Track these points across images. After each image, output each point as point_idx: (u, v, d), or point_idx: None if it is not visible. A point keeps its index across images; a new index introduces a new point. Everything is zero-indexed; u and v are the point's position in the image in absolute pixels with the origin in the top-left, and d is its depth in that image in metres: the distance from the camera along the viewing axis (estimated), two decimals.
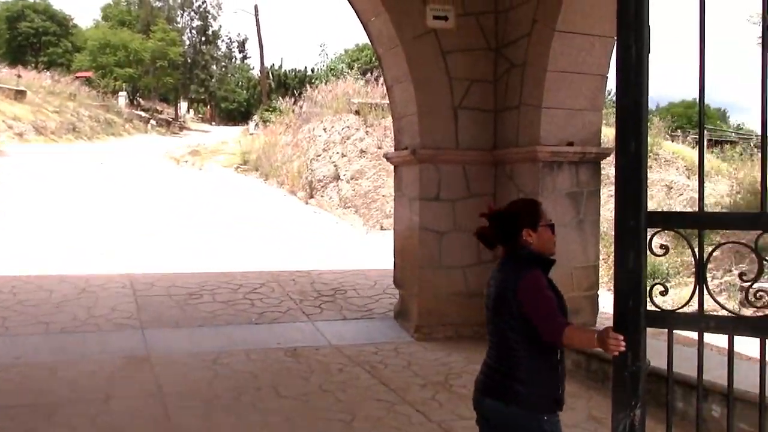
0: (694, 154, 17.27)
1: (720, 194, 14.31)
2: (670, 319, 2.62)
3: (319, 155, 18.63)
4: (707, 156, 17.65)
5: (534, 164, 7.33)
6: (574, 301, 7.43)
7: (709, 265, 2.90)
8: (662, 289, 2.59)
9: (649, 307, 2.59)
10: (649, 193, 10.70)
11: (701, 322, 2.56)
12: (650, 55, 2.58)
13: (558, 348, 2.92)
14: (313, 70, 42.98)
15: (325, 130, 19.21)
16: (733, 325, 2.56)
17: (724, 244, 3.30)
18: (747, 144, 22.25)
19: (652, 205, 14.64)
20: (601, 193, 7.75)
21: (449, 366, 6.89)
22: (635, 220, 2.56)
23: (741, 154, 18.12)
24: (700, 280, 2.56)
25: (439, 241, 7.91)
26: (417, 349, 7.49)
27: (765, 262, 2.49)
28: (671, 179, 15.13)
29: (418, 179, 7.86)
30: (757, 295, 2.47)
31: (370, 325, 8.39)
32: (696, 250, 2.58)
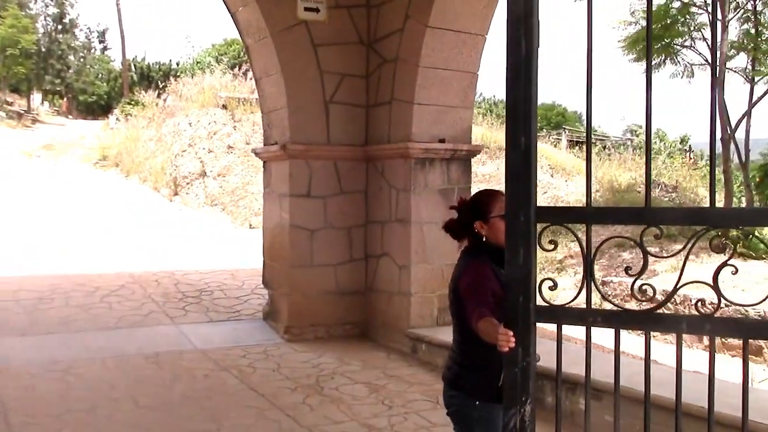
0: (556, 153, 18.05)
1: (582, 192, 14.96)
2: (559, 314, 2.62)
3: (185, 151, 17.94)
4: (569, 156, 18.48)
5: (406, 161, 7.31)
6: (445, 299, 7.42)
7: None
8: (551, 283, 2.58)
9: (539, 302, 2.59)
10: None
11: (589, 316, 2.55)
12: (539, 50, 2.55)
13: None
14: (178, 63, 41.51)
15: (190, 124, 18.52)
16: (620, 319, 2.60)
17: (611, 238, 3.34)
18: (603, 144, 23.55)
19: None
20: (471, 191, 7.85)
21: (320, 368, 6.74)
22: (525, 215, 2.54)
23: (598, 154, 19.06)
24: (588, 274, 2.56)
25: (310, 239, 7.74)
26: (287, 351, 7.29)
27: (649, 256, 2.51)
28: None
29: (288, 175, 7.65)
30: (642, 288, 2.47)
31: (238, 327, 8.09)
32: (584, 244, 2.58)
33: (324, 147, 7.75)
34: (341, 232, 7.90)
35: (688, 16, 12.08)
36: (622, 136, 29.10)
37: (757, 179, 12.08)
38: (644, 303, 2.51)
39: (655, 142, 25.10)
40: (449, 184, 7.51)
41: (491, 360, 2.85)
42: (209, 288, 9.55)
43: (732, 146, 11.50)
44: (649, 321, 2.53)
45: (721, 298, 2.34)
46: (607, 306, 2.94)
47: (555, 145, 20.64)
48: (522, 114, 2.54)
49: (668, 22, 11.90)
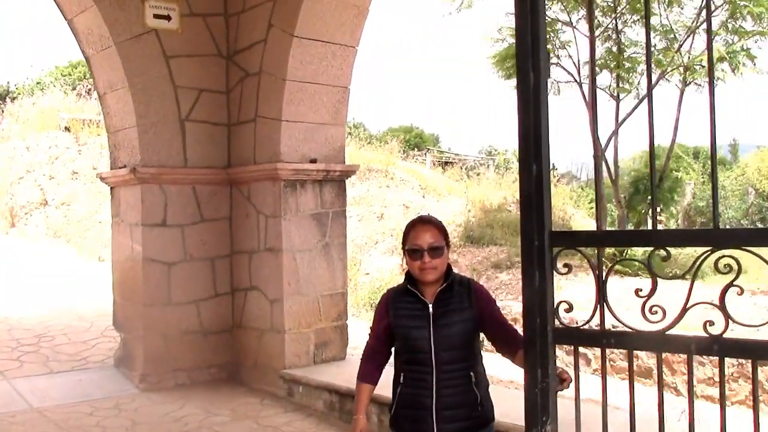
0: (427, 173, 17.97)
1: (453, 212, 14.92)
2: (576, 336, 2.77)
3: (22, 177, 16.38)
4: (437, 175, 18.48)
5: (275, 183, 6.74)
6: (323, 333, 6.98)
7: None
8: (567, 306, 2.68)
9: (556, 324, 2.73)
10: (386, 213, 10.58)
11: (603, 338, 2.67)
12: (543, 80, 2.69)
13: (401, 367, 3.02)
14: (16, 86, 38.64)
15: (28, 149, 16.95)
16: (632, 340, 2.66)
17: (622, 260, 3.63)
18: (463, 164, 23.92)
19: (390, 225, 14.88)
20: (347, 214, 7.38)
21: (183, 421, 6.00)
22: (539, 239, 2.68)
23: (466, 174, 19.25)
24: (601, 297, 2.64)
25: (168, 273, 6.98)
26: (143, 404, 6.47)
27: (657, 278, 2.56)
28: (408, 198, 15.51)
29: (140, 202, 6.87)
30: (653, 309, 2.49)
31: (84, 378, 7.15)
32: (596, 267, 2.67)
33: (180, 170, 7.04)
34: (203, 265, 7.19)
35: (552, 34, 12.29)
36: (478, 156, 29.75)
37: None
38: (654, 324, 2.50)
39: (511, 162, 25.80)
40: (323, 207, 7.01)
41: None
42: (50, 333, 8.50)
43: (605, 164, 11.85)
44: (660, 342, 2.58)
45: (729, 320, 2.39)
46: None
47: (424, 166, 20.65)
48: (533, 141, 2.65)
49: None
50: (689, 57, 11.71)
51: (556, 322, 2.71)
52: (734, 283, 2.37)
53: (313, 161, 6.90)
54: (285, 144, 6.76)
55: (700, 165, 22.88)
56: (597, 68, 12.00)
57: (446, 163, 25.24)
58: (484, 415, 2.95)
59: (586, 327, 2.71)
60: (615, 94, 12.20)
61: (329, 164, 7.00)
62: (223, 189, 7.29)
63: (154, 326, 6.90)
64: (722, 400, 2.48)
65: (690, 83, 12.26)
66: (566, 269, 2.73)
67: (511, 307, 9.20)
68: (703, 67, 10.62)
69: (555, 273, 2.71)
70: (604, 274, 2.63)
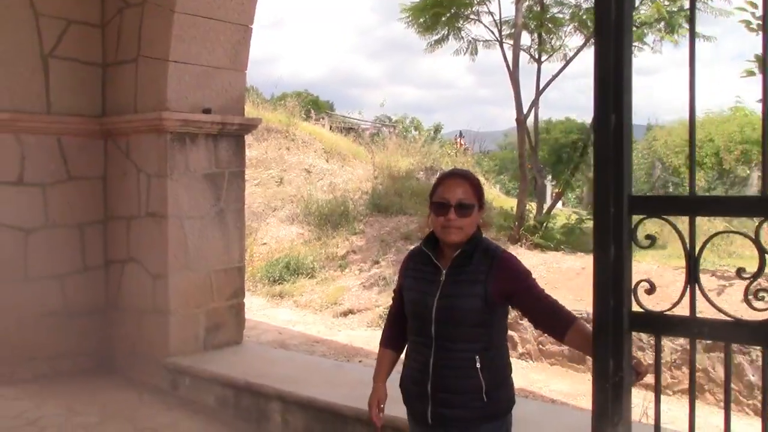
0: (331, 136, 17.07)
1: (359, 178, 14.14)
2: (658, 323, 2.32)
3: None
4: (342, 139, 17.65)
5: (160, 136, 5.75)
6: (216, 314, 6.11)
7: None
8: (648, 286, 2.31)
9: (634, 307, 2.33)
10: (286, 177, 9.55)
11: (694, 327, 2.23)
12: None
13: (408, 334, 2.81)
14: None
15: None
16: (731, 332, 2.21)
17: (720, 233, 2.83)
18: (364, 130, 23.20)
19: (290, 190, 13.94)
20: (245, 176, 6.47)
21: (40, 424, 5.00)
22: (617, 206, 2.28)
23: (370, 140, 18.56)
24: (692, 277, 2.22)
25: (24, 242, 5.87)
26: None
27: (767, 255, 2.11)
28: (310, 162, 14.59)
29: None
30: (759, 294, 2.07)
31: None
32: (687, 240, 2.26)
33: (42, 117, 5.91)
34: (70, 232, 6.11)
35: None
36: (380, 122, 29.11)
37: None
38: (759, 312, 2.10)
39: (410, 130, 25.32)
40: (218, 167, 6.07)
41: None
42: None
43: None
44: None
45: None
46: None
47: (329, 129, 19.74)
48: (613, 86, 2.25)
49: None
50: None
51: (633, 305, 2.31)
52: None
53: (207, 111, 5.93)
54: (173, 90, 5.76)
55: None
56: (516, 28, 11.40)
57: (347, 129, 24.49)
58: (491, 408, 2.62)
59: (671, 313, 2.27)
60: (537, 56, 11.66)
61: (226, 116, 6.05)
62: (95, 142, 6.21)
63: (5, 307, 5.79)
64: None
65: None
66: (649, 241, 2.34)
67: None
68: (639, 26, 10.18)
69: (634, 246, 2.32)
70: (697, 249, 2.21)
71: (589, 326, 2.41)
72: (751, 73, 8.33)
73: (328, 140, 15.97)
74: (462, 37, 12.33)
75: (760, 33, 2.79)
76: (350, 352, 7.60)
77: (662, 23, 10.26)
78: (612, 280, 2.29)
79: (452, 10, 11.55)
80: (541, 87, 11.44)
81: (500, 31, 11.65)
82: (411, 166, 14.76)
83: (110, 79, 6.26)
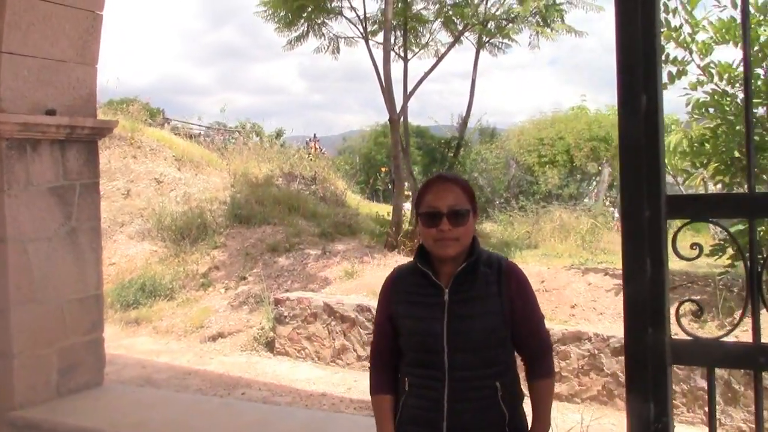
0: (181, 142, 16.00)
1: (215, 187, 13.27)
2: (710, 352, 1.85)
3: None
4: (194, 146, 16.69)
5: None
6: (72, 352, 5.29)
7: None
8: (695, 307, 1.97)
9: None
10: (134, 189, 8.59)
11: (759, 356, 1.76)
12: None
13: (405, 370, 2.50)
14: None
15: None
16: None
17: None
18: (210, 137, 22.29)
19: (139, 203, 12.87)
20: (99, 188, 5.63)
21: None
22: (653, 208, 1.81)
23: (223, 145, 17.74)
24: (754, 294, 1.78)
25: None
26: None
27: None
28: (161, 171, 13.52)
29: None
30: None
31: None
32: (749, 249, 1.81)
33: None
34: None
35: None
36: (229, 127, 28.14)
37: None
38: None
39: (251, 136, 24.68)
40: (67, 179, 5.22)
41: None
42: None
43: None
44: None
45: None
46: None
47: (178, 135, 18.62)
48: (642, 54, 1.82)
49: None
50: (485, 14, 11.14)
51: (674, 331, 1.88)
52: None
53: (51, 113, 5.07)
54: (8, 87, 4.86)
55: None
56: (378, 26, 11.06)
57: (191, 136, 23.45)
58: None
59: (727, 339, 1.86)
60: (403, 55, 11.36)
61: (75, 118, 5.21)
62: None
63: None
64: None
65: (487, 42, 11.76)
66: (696, 251, 1.89)
67: (310, 300, 7.88)
68: (499, 26, 10.14)
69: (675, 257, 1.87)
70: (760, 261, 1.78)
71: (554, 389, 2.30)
72: None
73: (178, 147, 14.96)
74: (323, 34, 11.85)
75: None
76: (229, 383, 6.85)
77: (537, 17, 10.26)
78: (649, 301, 1.85)
79: (315, 3, 11.01)
80: (409, 85, 11.18)
81: (365, 28, 11.25)
82: (269, 172, 14.09)
83: None
